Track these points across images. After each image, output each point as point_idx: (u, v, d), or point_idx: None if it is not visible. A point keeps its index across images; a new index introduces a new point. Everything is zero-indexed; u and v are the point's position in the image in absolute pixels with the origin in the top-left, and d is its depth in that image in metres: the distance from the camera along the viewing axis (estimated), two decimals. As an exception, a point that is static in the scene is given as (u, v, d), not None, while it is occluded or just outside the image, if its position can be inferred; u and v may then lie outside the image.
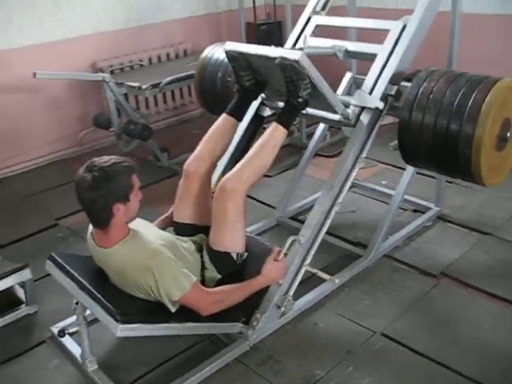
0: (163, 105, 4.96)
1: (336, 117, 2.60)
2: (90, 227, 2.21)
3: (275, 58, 2.33)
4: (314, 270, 2.49)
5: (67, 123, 4.53)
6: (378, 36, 2.73)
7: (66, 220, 3.57)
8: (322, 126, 3.40)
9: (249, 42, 4.97)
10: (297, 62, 2.28)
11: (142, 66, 4.66)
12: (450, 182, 3.55)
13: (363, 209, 3.45)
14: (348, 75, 3.37)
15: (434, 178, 3.46)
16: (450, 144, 2.32)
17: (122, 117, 4.28)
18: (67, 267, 2.25)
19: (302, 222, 3.24)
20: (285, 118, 2.45)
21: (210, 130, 2.62)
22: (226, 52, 2.59)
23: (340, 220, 3.17)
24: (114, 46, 4.58)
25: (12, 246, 3.32)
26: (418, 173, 3.10)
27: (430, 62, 3.40)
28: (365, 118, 2.56)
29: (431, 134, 2.36)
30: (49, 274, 2.77)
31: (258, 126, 2.91)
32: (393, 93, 2.58)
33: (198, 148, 2.57)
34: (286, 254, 2.40)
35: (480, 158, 2.27)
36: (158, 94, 4.70)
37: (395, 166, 3.94)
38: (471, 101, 2.26)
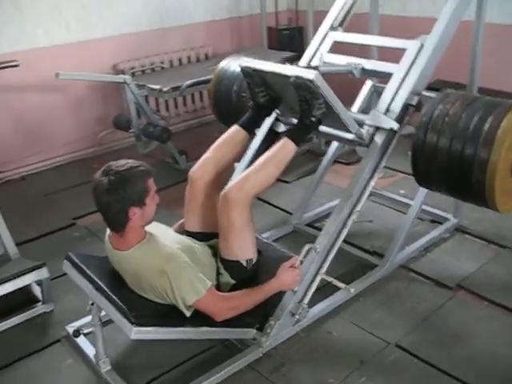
0: (183, 107, 4.98)
1: (350, 136, 2.57)
2: (108, 230, 2.23)
3: (290, 77, 2.32)
4: (330, 279, 2.48)
5: (88, 123, 4.58)
6: (399, 53, 2.71)
7: (84, 219, 3.60)
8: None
9: (270, 46, 4.99)
10: (311, 81, 2.26)
11: (163, 68, 4.68)
12: (469, 194, 3.51)
13: (380, 218, 3.43)
14: (369, 83, 3.36)
15: (453, 188, 3.44)
16: (464, 168, 2.28)
17: (141, 118, 4.30)
18: (84, 268, 2.27)
19: (319, 229, 3.25)
20: (296, 134, 2.43)
21: (220, 139, 2.60)
22: (241, 68, 2.58)
23: (357, 229, 3.15)
24: (136, 48, 4.62)
25: (30, 243, 3.34)
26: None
27: (453, 70, 3.40)
28: (379, 139, 2.53)
29: (445, 157, 2.33)
30: (65, 274, 2.81)
31: (272, 141, 2.84)
32: (414, 103, 2.56)
33: (205, 155, 2.55)
34: (302, 262, 2.40)
35: (494, 184, 2.23)
36: (178, 97, 4.73)
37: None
38: (487, 125, 2.22)
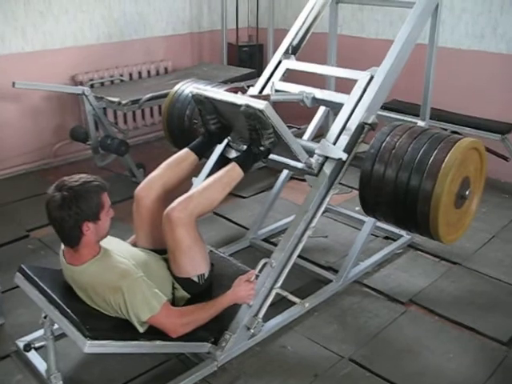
0: (141, 121, 4.94)
1: (299, 165, 2.61)
2: (62, 245, 2.20)
3: (240, 106, 2.34)
4: (285, 293, 2.50)
5: (44, 134, 4.50)
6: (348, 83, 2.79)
7: (38, 232, 3.53)
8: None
9: (230, 62, 5.03)
10: (261, 111, 2.28)
11: (122, 81, 4.66)
12: (422, 211, 3.61)
13: (335, 234, 3.49)
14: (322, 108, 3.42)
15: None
16: (409, 200, 2.35)
17: (99, 131, 4.27)
18: (37, 280, 2.22)
19: (275, 244, 3.28)
20: (244, 161, 2.45)
21: (169, 160, 2.57)
22: (193, 95, 2.58)
23: (312, 244, 3.21)
24: (95, 60, 4.58)
25: (-20, 256, 3.27)
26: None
27: (408, 91, 3.50)
28: (327, 168, 2.57)
29: (391, 188, 2.39)
30: (17, 287, 2.74)
31: (222, 167, 2.89)
32: (370, 121, 2.62)
33: (153, 174, 2.53)
34: (257, 276, 2.42)
35: (438, 216, 2.30)
36: (136, 110, 4.71)
37: (369, 193, 4.00)
38: (431, 159, 2.30)
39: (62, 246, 2.20)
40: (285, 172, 3.41)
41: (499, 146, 3.75)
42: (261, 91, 3.02)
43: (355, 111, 2.64)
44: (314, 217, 2.56)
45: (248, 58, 5.10)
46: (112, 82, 4.61)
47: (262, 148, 2.41)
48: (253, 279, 2.37)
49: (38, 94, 4.33)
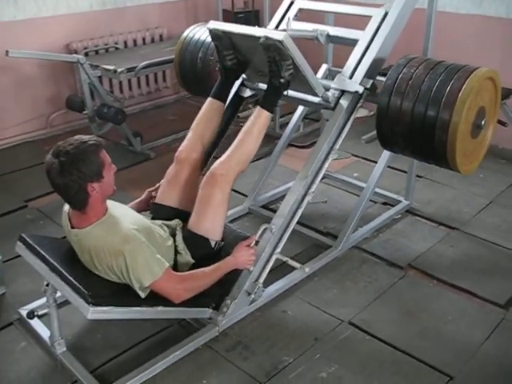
0: (137, 89, 4.91)
1: (316, 99, 2.63)
2: (65, 207, 2.19)
3: (259, 38, 2.35)
4: (285, 259, 2.52)
5: (38, 104, 4.46)
6: (355, 24, 2.77)
7: (36, 202, 3.53)
8: (296, 116, 3.43)
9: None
10: (280, 42, 2.30)
11: (117, 49, 4.60)
12: (420, 177, 3.62)
13: (334, 200, 3.49)
14: (324, 67, 3.41)
15: (404, 171, 3.54)
16: (427, 129, 2.37)
17: (95, 100, 4.23)
18: (38, 249, 2.23)
19: (273, 210, 3.29)
20: (268, 100, 2.50)
21: (198, 116, 2.68)
22: (210, 30, 2.59)
23: (311, 210, 3.21)
24: (89, 28, 4.52)
25: (-21, 226, 3.27)
26: (388, 166, 3.14)
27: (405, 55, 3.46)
28: (344, 102, 2.59)
29: (409, 119, 2.41)
30: (17, 256, 2.76)
31: (237, 106, 2.92)
32: (368, 86, 2.61)
33: (188, 135, 2.64)
34: (257, 242, 2.43)
35: (455, 144, 2.32)
36: (132, 79, 4.67)
37: (367, 159, 4.01)
38: (449, 88, 2.31)
39: (65, 209, 2.19)
40: (283, 139, 3.41)
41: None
42: (275, 29, 3.00)
43: (371, 46, 2.65)
44: (313, 182, 2.56)
45: (244, 24, 4.96)
46: (107, 50, 4.55)
47: (282, 80, 2.43)
48: (253, 245, 2.39)
49: (31, 64, 4.28)
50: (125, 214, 2.22)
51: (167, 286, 2.13)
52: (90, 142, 2.03)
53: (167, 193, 2.57)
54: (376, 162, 3.14)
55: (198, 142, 2.62)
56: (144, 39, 4.83)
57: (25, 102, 4.37)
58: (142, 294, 2.10)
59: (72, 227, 2.13)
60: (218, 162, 2.42)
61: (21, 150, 4.30)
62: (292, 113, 3.62)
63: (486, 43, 4.00)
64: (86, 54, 4.33)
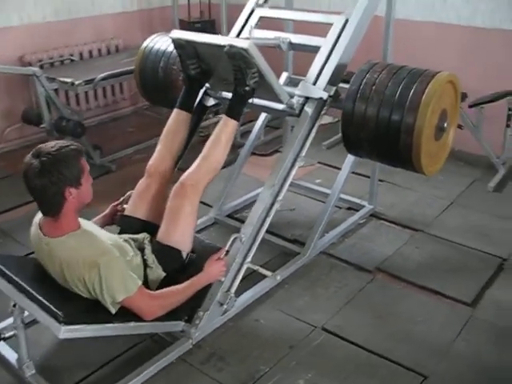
0: (94, 102, 4.82)
1: (281, 106, 2.64)
2: (36, 218, 2.13)
3: (224, 46, 2.35)
4: (256, 267, 2.51)
5: (-8, 119, 4.34)
6: (313, 31, 2.80)
7: (-6, 219, 3.42)
8: (258, 124, 3.43)
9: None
10: (245, 50, 2.31)
11: (72, 61, 4.51)
12: (382, 181, 3.67)
13: (299, 207, 3.51)
14: (284, 75, 3.43)
15: (366, 176, 3.59)
16: (392, 133, 2.40)
17: (51, 113, 4.13)
18: (2, 268, 2.15)
19: (239, 220, 3.29)
20: (233, 109, 2.50)
21: (165, 128, 2.67)
22: (173, 40, 2.58)
23: (277, 218, 3.19)
24: (43, 40, 4.42)
25: None
26: (352, 172, 3.18)
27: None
28: (309, 108, 2.61)
29: (374, 123, 2.44)
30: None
31: (200, 115, 2.91)
32: (332, 93, 2.63)
33: (158, 148, 2.65)
34: (227, 252, 2.42)
35: (421, 147, 2.36)
36: (89, 91, 4.59)
37: (329, 165, 4.05)
38: (412, 92, 2.36)
39: (36, 219, 2.13)
40: (246, 147, 3.41)
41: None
42: (237, 37, 3.00)
43: (333, 52, 2.67)
44: (281, 190, 2.57)
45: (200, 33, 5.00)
46: (62, 62, 4.46)
47: (247, 88, 2.43)
48: (223, 256, 2.38)
49: (-17, 77, 4.16)
50: (97, 230, 2.18)
51: (140, 302, 2.09)
52: (73, 147, 1.99)
53: (136, 205, 2.53)
54: (338, 168, 3.18)
55: (167, 154, 2.61)
56: (100, 50, 4.76)
57: (-23, 116, 4.24)
58: (113, 310, 2.05)
59: (45, 235, 2.06)
60: (187, 172, 2.41)
61: (-26, 167, 4.16)
62: (252, 121, 3.63)
63: (440, 49, 4.11)
64: (41, 67, 4.23)
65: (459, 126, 3.79)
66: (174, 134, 2.65)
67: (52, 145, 1.98)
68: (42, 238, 2.07)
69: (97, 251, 2.01)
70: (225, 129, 2.47)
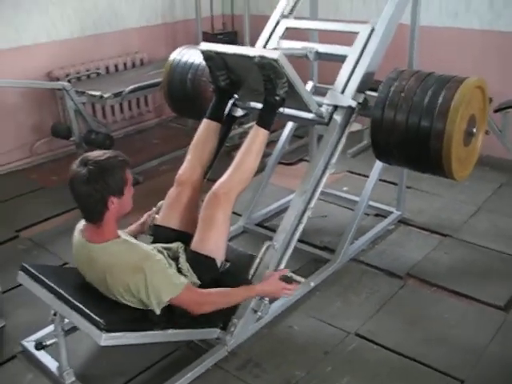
0: (120, 114, 4.90)
1: (310, 115, 2.68)
2: (79, 224, 2.19)
3: (254, 57, 2.38)
4: (289, 274, 2.53)
5: (22, 133, 4.41)
6: (338, 41, 2.84)
7: (28, 231, 3.48)
8: (285, 133, 3.47)
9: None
10: (276, 60, 2.34)
11: (98, 74, 4.60)
12: (409, 187, 3.67)
13: (328, 214, 3.53)
14: (310, 84, 3.46)
15: (392, 183, 3.61)
16: (422, 139, 2.43)
17: (79, 126, 4.21)
18: (42, 277, 2.20)
19: (268, 228, 3.33)
20: (264, 118, 2.53)
21: (195, 138, 2.70)
22: (203, 51, 2.62)
23: (306, 226, 3.19)
24: (70, 55, 4.51)
25: (-28, 259, 3.21)
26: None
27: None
28: (338, 117, 2.64)
29: (403, 130, 2.47)
30: (12, 288, 2.74)
31: (229, 126, 2.95)
32: (360, 101, 2.66)
33: (188, 157, 2.67)
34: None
35: (450, 152, 2.38)
36: (115, 104, 4.66)
37: (354, 173, 4.07)
38: (441, 98, 2.38)
39: (79, 226, 2.19)
40: (273, 157, 3.44)
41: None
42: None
43: (360, 61, 2.70)
44: (312, 197, 2.60)
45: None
46: (89, 76, 4.54)
47: (277, 98, 2.46)
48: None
49: (12, 92, 4.25)
50: (133, 239, 2.22)
51: (187, 300, 2.13)
52: (120, 158, 2.05)
53: (168, 215, 2.57)
54: (364, 176, 3.21)
55: (198, 163, 2.64)
56: (125, 64, 4.84)
57: (8, 131, 4.33)
58: (158, 310, 2.08)
59: (88, 241, 2.11)
60: (219, 181, 2.44)
61: (7, 180, 4.23)
62: (276, 130, 3.67)
63: (463, 54, 4.12)
64: (69, 81, 4.30)
65: (485, 132, 3.80)
66: (204, 143, 2.69)
67: (100, 154, 2.03)
68: (84, 244, 2.12)
69: (140, 256, 2.06)
70: (256, 138, 2.50)
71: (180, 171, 2.64)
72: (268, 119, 2.54)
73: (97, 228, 2.08)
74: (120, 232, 2.18)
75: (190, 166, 2.64)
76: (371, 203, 3.42)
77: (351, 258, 3.04)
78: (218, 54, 2.57)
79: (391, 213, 3.43)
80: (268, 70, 2.38)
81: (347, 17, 4.45)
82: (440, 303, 2.68)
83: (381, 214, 3.46)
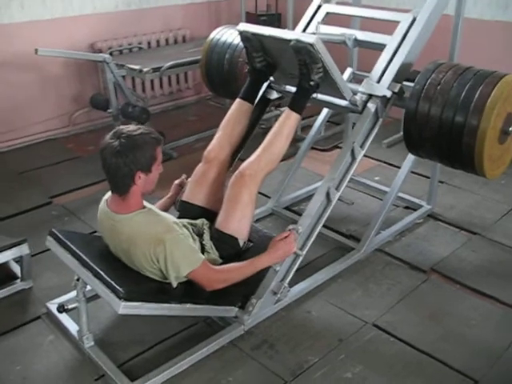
0: (159, 89, 4.95)
1: (344, 103, 2.66)
2: (106, 195, 2.24)
3: (290, 41, 2.37)
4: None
5: (62, 102, 4.51)
6: (380, 29, 2.80)
7: (60, 198, 3.57)
8: (320, 119, 3.45)
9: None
10: (312, 45, 2.32)
11: (140, 49, 4.65)
12: (442, 182, 3.62)
13: (356, 203, 3.51)
14: (348, 70, 3.44)
15: (426, 176, 3.56)
16: (455, 134, 2.38)
17: (118, 99, 4.27)
18: (68, 243, 2.26)
19: (296, 212, 3.33)
20: (297, 102, 2.52)
21: (227, 117, 2.70)
22: (240, 32, 2.62)
23: (334, 213, 3.18)
24: (114, 28, 4.57)
25: (5, 221, 3.31)
26: (411, 171, 3.15)
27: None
28: (372, 106, 2.61)
29: (437, 123, 2.43)
30: (42, 251, 2.83)
31: (263, 108, 2.94)
32: (396, 90, 2.62)
33: (217, 135, 2.67)
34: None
35: (483, 150, 2.33)
36: (154, 79, 4.71)
37: (388, 163, 4.02)
38: (478, 93, 2.33)
39: (106, 196, 2.23)
40: (306, 142, 3.43)
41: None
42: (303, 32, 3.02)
43: (398, 51, 2.66)
44: (341, 183, 2.58)
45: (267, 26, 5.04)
46: (130, 50, 4.60)
47: (311, 83, 2.45)
48: (289, 229, 2.41)
49: (57, 62, 4.33)
50: (161, 211, 2.26)
51: (203, 276, 2.17)
52: (153, 135, 2.10)
53: (194, 191, 2.60)
54: (397, 167, 3.17)
55: (227, 142, 2.65)
56: (167, 40, 4.88)
57: (49, 100, 4.43)
58: (175, 283, 2.13)
59: (113, 211, 2.16)
60: (246, 161, 2.45)
61: (44, 148, 4.35)
62: (312, 116, 3.64)
63: (510, 49, 4.00)
64: (111, 54, 4.36)
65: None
66: (235, 123, 2.69)
67: (134, 128, 2.07)
68: (109, 214, 2.17)
69: (163, 228, 2.10)
70: (287, 121, 2.49)
71: (208, 148, 2.65)
72: (300, 104, 2.52)
73: (122, 200, 2.12)
74: (146, 203, 2.22)
75: (219, 143, 2.64)
76: (402, 195, 3.39)
77: (376, 248, 3.01)
78: (254, 35, 2.56)
79: (421, 206, 3.38)
80: (304, 54, 2.37)
81: (391, 4, 4.36)
82: (462, 301, 2.65)
83: (410, 207, 3.42)
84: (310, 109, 3.72)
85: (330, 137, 4.43)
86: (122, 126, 2.10)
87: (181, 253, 2.09)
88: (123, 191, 2.09)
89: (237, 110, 2.71)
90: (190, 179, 2.66)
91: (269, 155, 2.46)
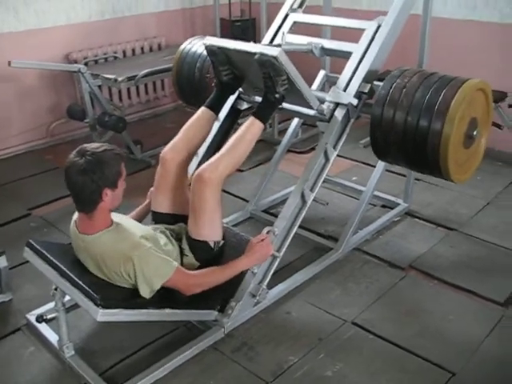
0: (136, 98, 4.95)
1: (311, 112, 2.67)
2: (75, 216, 2.24)
3: (254, 54, 2.39)
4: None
5: (39, 114, 4.49)
6: (351, 35, 2.82)
7: (39, 210, 3.56)
8: (294, 122, 3.48)
9: (223, 38, 5.01)
10: (275, 58, 2.34)
11: (116, 58, 4.65)
12: (418, 180, 3.67)
13: (333, 203, 3.53)
14: (321, 73, 3.47)
15: (402, 175, 3.60)
16: (420, 139, 2.40)
17: (95, 108, 4.27)
18: (46, 254, 2.26)
19: (275, 215, 3.33)
20: (262, 112, 2.50)
21: (189, 122, 2.67)
22: (206, 46, 2.63)
23: (311, 214, 3.24)
24: (89, 38, 4.57)
25: (-16, 234, 3.30)
26: (387, 170, 3.19)
27: (400, 64, 3.53)
28: (339, 114, 2.63)
29: (402, 128, 2.45)
30: (22, 263, 2.82)
31: (234, 119, 2.97)
32: (366, 90, 2.66)
33: (176, 138, 2.62)
34: (268, 232, 2.47)
35: (448, 154, 2.36)
36: (131, 87, 4.72)
37: (365, 163, 4.06)
38: (441, 97, 2.35)
39: (74, 217, 2.23)
40: (282, 145, 3.46)
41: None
42: (271, 43, 3.05)
43: (364, 58, 2.69)
44: (315, 185, 2.61)
45: (241, 32, 5.08)
46: (106, 59, 4.60)
47: (276, 95, 2.46)
48: (265, 233, 2.44)
49: (32, 74, 4.32)
50: (130, 224, 2.26)
51: (178, 282, 2.19)
52: (116, 151, 2.11)
53: (159, 200, 2.58)
54: (374, 167, 3.19)
55: (183, 147, 2.59)
56: (142, 48, 4.89)
57: (26, 111, 4.41)
58: (148, 296, 2.14)
59: (81, 232, 2.17)
60: (205, 163, 2.40)
61: (22, 160, 4.33)
62: (290, 119, 3.67)
63: (481, 48, 4.06)
64: (86, 64, 4.36)
65: (498, 126, 3.78)
66: (197, 129, 2.64)
67: (97, 146, 2.09)
68: (79, 236, 2.18)
69: (129, 245, 2.10)
70: (251, 128, 2.46)
71: (165, 149, 2.59)
72: (265, 114, 2.51)
73: (89, 219, 2.13)
74: (116, 216, 2.23)
75: (174, 146, 2.59)
76: (379, 194, 3.43)
77: (354, 247, 3.05)
78: (220, 48, 2.57)
79: (398, 204, 3.42)
80: (268, 67, 2.37)
81: (363, 6, 4.42)
82: (440, 296, 2.68)
83: (387, 206, 3.46)
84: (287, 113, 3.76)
85: (307, 139, 4.47)
86: (85, 145, 2.10)
87: (151, 267, 2.10)
88: (90, 209, 2.10)
89: (200, 118, 2.66)
90: (151, 189, 2.65)
91: (229, 159, 2.42)
